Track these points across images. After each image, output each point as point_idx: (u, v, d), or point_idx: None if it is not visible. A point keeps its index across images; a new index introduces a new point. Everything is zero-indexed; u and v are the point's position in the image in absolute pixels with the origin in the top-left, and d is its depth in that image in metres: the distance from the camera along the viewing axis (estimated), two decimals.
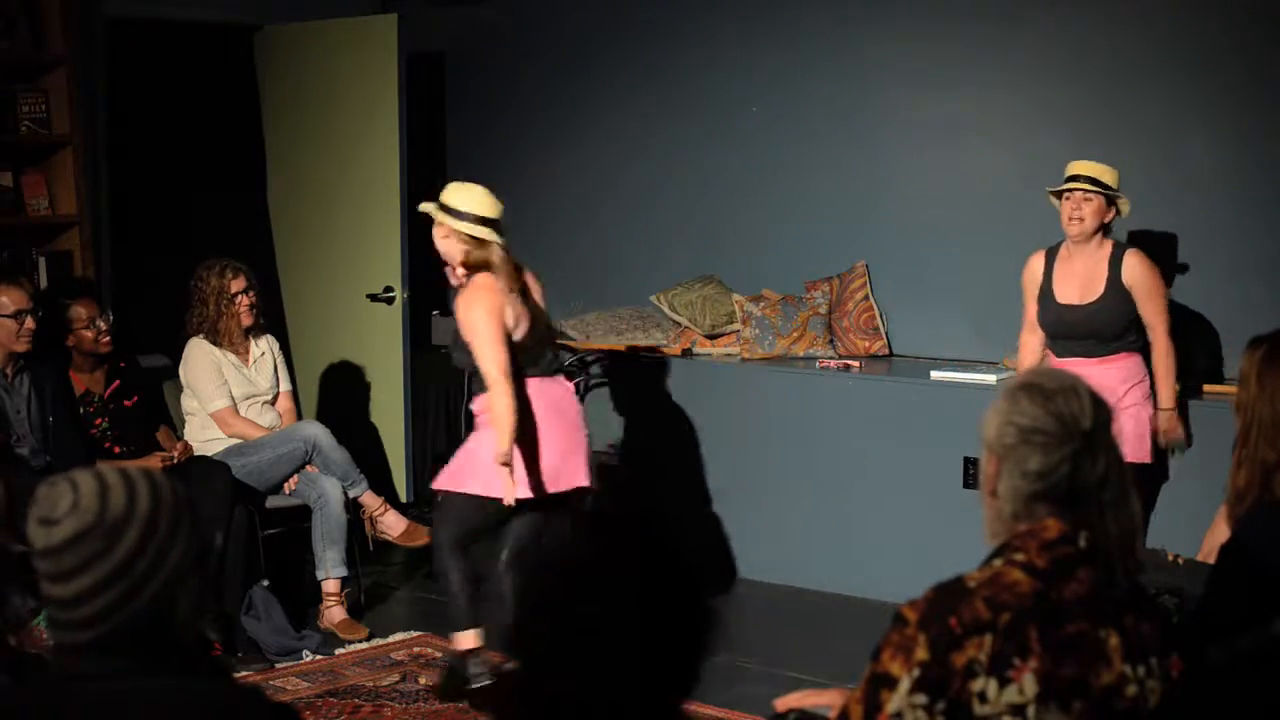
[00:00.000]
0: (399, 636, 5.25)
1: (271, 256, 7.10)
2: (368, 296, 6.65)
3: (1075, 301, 4.84)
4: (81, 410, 5.17)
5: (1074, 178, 4.82)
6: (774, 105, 6.35)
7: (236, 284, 5.44)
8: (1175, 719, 2.07)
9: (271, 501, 5.41)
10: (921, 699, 1.99)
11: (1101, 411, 2.10)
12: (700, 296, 6.31)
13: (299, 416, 5.76)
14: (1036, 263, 4.97)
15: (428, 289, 7.13)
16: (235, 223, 7.20)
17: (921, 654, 2.00)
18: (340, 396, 6.73)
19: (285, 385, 5.67)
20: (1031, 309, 4.96)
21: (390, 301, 6.61)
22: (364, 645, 5.16)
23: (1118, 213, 4.84)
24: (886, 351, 6.09)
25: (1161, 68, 5.45)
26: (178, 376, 5.54)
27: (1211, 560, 3.24)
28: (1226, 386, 5.03)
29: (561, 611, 1.59)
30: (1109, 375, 4.69)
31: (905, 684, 2.00)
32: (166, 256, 6.83)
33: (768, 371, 6.02)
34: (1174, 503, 4.47)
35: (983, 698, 1.98)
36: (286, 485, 5.39)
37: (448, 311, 7.20)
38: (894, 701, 2.00)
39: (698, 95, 6.57)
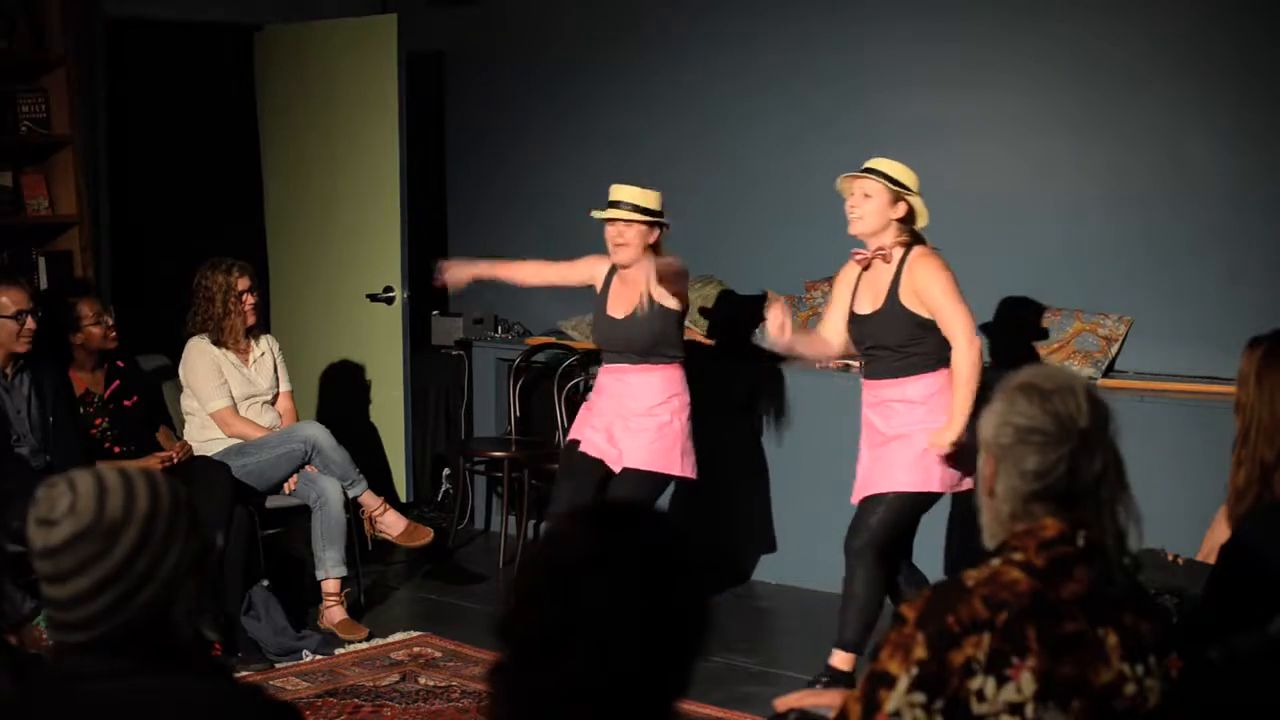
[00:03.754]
0: (399, 636, 5.25)
1: (272, 256, 7.11)
2: (368, 296, 6.65)
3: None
4: (81, 410, 5.17)
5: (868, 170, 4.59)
6: (774, 105, 6.35)
7: (242, 282, 5.44)
8: (1175, 719, 2.08)
9: (271, 501, 5.41)
10: (920, 697, 1.99)
11: (1098, 410, 2.10)
12: (700, 296, 6.31)
13: (298, 417, 5.76)
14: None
15: (427, 289, 7.14)
16: (235, 223, 7.21)
17: (920, 652, 2.00)
18: (340, 396, 6.74)
19: (285, 385, 5.67)
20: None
21: (390, 301, 6.61)
22: (364, 645, 5.16)
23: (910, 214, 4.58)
24: None
25: (1162, 68, 5.45)
26: (178, 376, 5.54)
27: (1211, 560, 3.25)
28: (1226, 386, 5.03)
29: (555, 603, 1.59)
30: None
31: (903, 682, 2.00)
32: (166, 256, 6.83)
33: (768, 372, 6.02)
34: (1174, 503, 4.47)
35: (981, 696, 1.99)
36: (286, 485, 5.39)
37: (448, 311, 7.22)
38: (892, 700, 2.01)
39: (696, 94, 6.57)
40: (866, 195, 4.56)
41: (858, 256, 4.64)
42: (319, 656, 5.02)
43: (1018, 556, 2.06)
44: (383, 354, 6.67)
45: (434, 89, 7.40)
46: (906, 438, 4.50)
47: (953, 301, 4.46)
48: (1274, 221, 5.26)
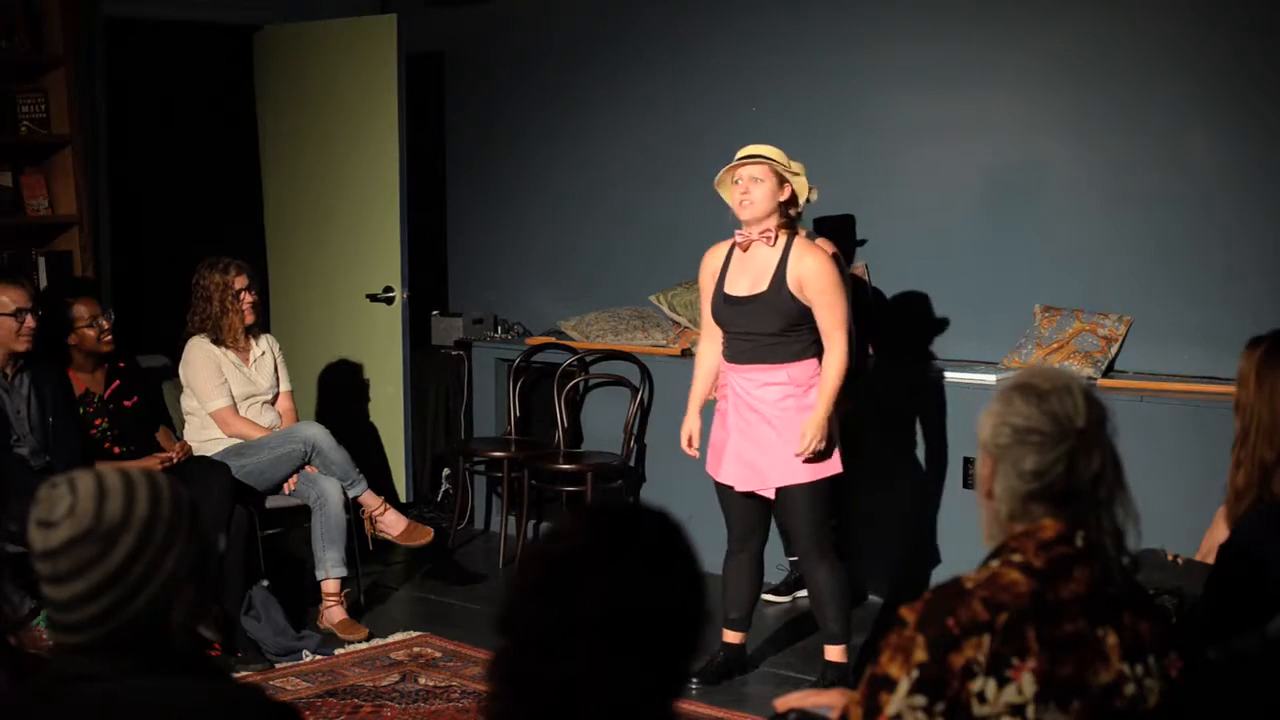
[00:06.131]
0: (399, 636, 5.25)
1: (271, 256, 7.11)
2: (367, 297, 6.65)
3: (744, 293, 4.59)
4: (81, 410, 5.17)
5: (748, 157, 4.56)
6: (773, 105, 6.35)
7: (240, 281, 5.44)
8: (1174, 718, 2.08)
9: (271, 501, 5.40)
10: (920, 700, 1.99)
11: (1095, 410, 2.10)
12: (700, 296, 6.31)
13: (298, 417, 5.75)
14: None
15: (427, 289, 7.14)
16: (235, 223, 7.21)
17: (920, 655, 2.00)
18: (340, 397, 6.74)
19: (285, 385, 5.67)
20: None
21: (390, 301, 6.61)
22: (364, 645, 5.16)
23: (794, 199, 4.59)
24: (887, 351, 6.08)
25: (1161, 67, 5.44)
26: (178, 376, 5.54)
27: (1211, 560, 3.24)
28: (1226, 386, 5.03)
29: (556, 597, 1.59)
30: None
31: (904, 685, 2.00)
32: (166, 256, 6.84)
33: None
34: (1174, 503, 4.47)
35: (981, 698, 1.99)
36: (286, 485, 5.39)
37: (448, 311, 7.23)
38: (893, 703, 2.01)
39: (696, 94, 6.57)
40: (755, 179, 4.53)
41: (740, 237, 4.60)
42: (319, 656, 5.02)
43: (1016, 558, 2.06)
44: (382, 354, 6.67)
45: (434, 89, 7.40)
46: (799, 430, 4.49)
47: (837, 301, 4.48)
48: (1274, 221, 5.25)
